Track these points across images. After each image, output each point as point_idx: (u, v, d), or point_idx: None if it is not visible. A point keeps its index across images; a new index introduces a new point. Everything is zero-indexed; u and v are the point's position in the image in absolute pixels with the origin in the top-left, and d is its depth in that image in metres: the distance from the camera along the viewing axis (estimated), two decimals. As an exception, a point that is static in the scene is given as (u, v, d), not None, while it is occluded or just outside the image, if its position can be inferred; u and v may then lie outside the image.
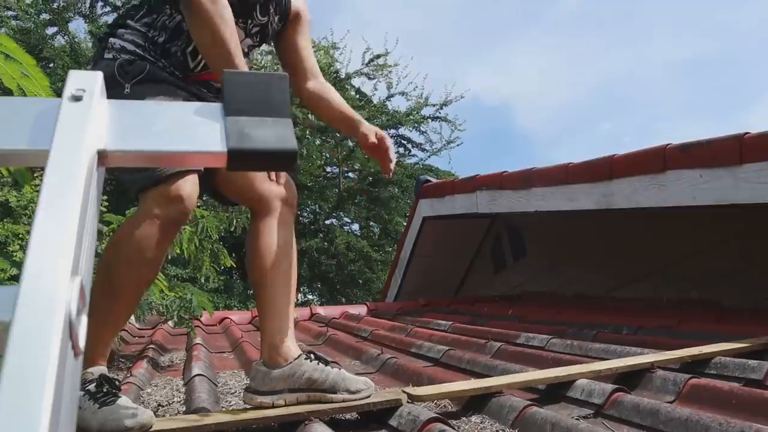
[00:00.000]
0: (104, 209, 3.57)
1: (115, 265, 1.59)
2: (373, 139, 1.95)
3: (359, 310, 5.44)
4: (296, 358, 1.69)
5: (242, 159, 0.54)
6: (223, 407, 1.97)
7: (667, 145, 3.07)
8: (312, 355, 1.73)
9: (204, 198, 3.57)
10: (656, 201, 3.11)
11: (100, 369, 1.59)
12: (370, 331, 3.77)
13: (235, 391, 2.33)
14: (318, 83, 2.00)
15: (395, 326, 4.03)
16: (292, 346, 1.73)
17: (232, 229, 3.59)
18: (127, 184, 1.66)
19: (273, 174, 1.80)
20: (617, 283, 4.57)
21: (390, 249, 12.90)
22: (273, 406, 1.66)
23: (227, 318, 5.18)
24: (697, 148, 2.88)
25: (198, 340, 3.49)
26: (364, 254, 12.16)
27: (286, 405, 1.66)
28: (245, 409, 1.72)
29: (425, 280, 6.30)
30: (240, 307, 8.74)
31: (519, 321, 3.89)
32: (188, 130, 0.55)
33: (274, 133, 0.56)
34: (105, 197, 3.97)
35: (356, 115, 2.02)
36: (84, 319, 0.41)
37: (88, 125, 0.50)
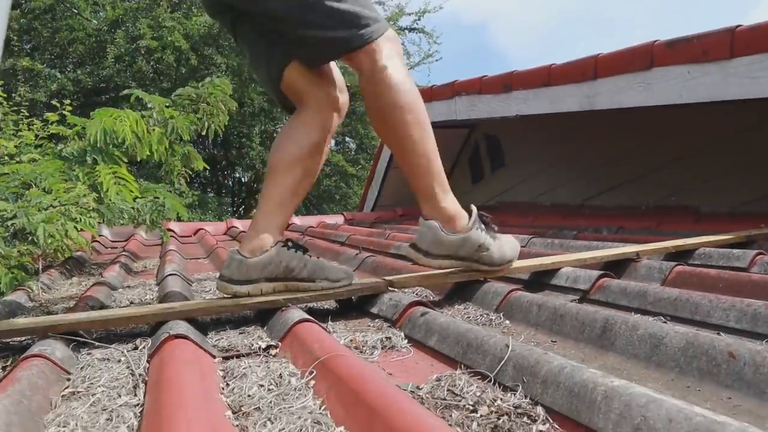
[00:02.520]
0: (67, 113, 3.41)
1: (415, 101, 1.64)
2: None
3: (336, 219, 5.39)
4: (273, 246, 1.62)
5: None
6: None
7: (655, 41, 2.96)
8: (290, 243, 1.65)
9: (173, 98, 3.39)
10: (641, 100, 3.02)
11: None
12: (347, 236, 3.72)
13: (210, 290, 2.27)
14: None
15: (373, 232, 3.99)
16: (273, 235, 1.65)
17: (203, 133, 3.42)
18: (340, 41, 1.59)
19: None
20: (595, 191, 4.55)
21: (366, 164, 12.78)
22: (249, 296, 1.59)
23: (202, 229, 5.11)
24: (686, 43, 2.77)
25: (172, 246, 3.42)
26: (339, 169, 12.03)
27: (262, 294, 1.60)
28: (219, 298, 1.65)
29: (402, 192, 6.24)
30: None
31: (498, 225, 3.85)
32: None
33: None
34: (68, 102, 3.78)
35: None
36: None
37: None
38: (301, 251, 1.66)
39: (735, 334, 1.21)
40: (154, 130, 3.12)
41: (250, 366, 1.20)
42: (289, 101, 1.78)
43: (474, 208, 1.73)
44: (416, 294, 1.82)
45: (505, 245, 1.77)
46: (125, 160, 3.03)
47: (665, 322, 1.35)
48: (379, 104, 1.64)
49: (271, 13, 1.58)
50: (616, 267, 1.90)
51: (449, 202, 1.69)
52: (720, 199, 3.50)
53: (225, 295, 1.63)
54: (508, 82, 4.03)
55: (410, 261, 1.76)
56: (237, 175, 15.91)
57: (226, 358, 1.29)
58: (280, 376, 1.13)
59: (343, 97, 1.76)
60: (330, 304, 1.80)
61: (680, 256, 2.02)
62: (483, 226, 1.73)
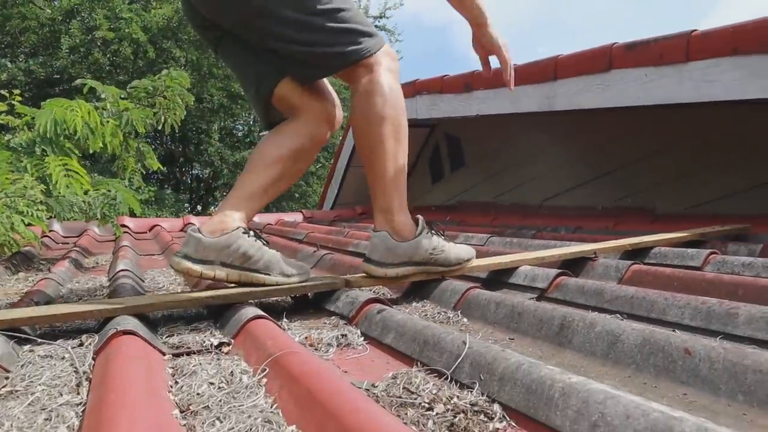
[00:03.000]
0: (17, 102, 3.29)
1: (400, 116, 1.67)
2: (484, 51, 1.87)
3: (295, 217, 5.34)
4: (234, 230, 1.58)
5: None
6: (148, 297, 1.85)
7: (614, 43, 2.99)
8: (251, 232, 1.62)
9: (128, 90, 3.30)
10: (600, 102, 3.06)
11: None
12: (306, 234, 3.68)
13: (163, 286, 2.21)
14: None
15: (332, 230, 3.95)
16: (235, 220, 1.61)
17: (160, 127, 3.33)
18: (339, 56, 1.62)
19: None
20: (554, 191, 4.60)
21: (326, 162, 12.71)
22: (201, 276, 1.55)
23: (157, 225, 4.99)
24: (644, 46, 2.81)
25: (125, 242, 3.33)
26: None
27: (215, 279, 1.56)
28: (172, 293, 1.60)
29: (362, 190, 6.22)
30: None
31: (457, 224, 3.86)
32: None
33: None
34: (18, 92, 3.67)
35: (477, 12, 1.80)
36: None
37: None
38: (261, 242, 1.63)
39: (690, 332, 1.21)
40: (107, 122, 3.02)
41: (200, 363, 1.16)
42: (273, 118, 1.77)
43: (420, 217, 1.74)
44: (374, 292, 1.80)
45: (458, 247, 1.78)
46: (77, 152, 2.93)
47: (622, 320, 1.35)
48: (367, 116, 1.65)
49: (264, 32, 1.58)
50: (573, 266, 1.91)
51: (403, 216, 1.70)
52: (674, 200, 3.57)
53: (177, 274, 1.59)
54: (470, 82, 4.04)
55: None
56: (195, 172, 15.68)
57: (176, 356, 1.24)
58: (232, 373, 1.09)
59: (337, 113, 1.76)
60: (286, 301, 1.76)
61: (636, 254, 2.04)
62: (433, 231, 1.74)
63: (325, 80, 1.78)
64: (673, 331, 1.20)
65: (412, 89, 4.66)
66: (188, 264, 1.55)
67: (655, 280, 1.63)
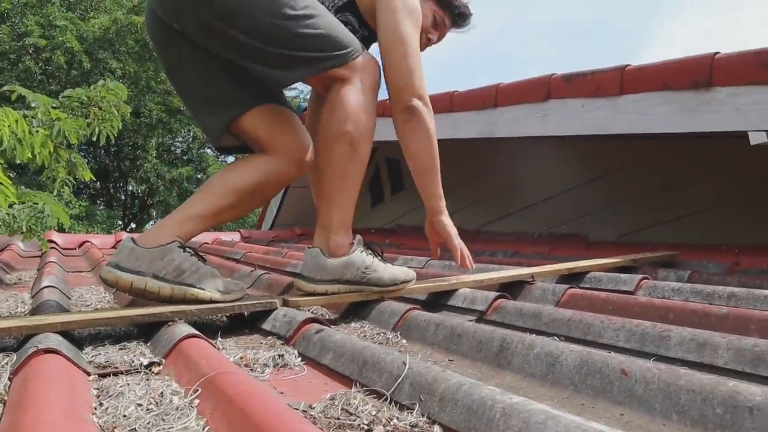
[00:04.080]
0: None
1: (361, 135, 1.64)
2: (436, 236, 1.98)
3: (232, 236, 5.24)
4: (170, 242, 1.52)
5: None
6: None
7: (552, 74, 3.08)
8: (190, 250, 1.57)
9: (61, 99, 3.17)
10: (538, 130, 3.13)
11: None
12: (243, 254, 3.61)
13: (92, 304, 2.11)
14: (397, 117, 1.78)
15: (270, 250, 3.89)
16: (173, 233, 1.55)
17: (94, 138, 3.22)
18: (321, 63, 1.59)
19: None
20: (491, 217, 4.67)
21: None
22: (131, 288, 1.49)
23: (87, 241, 4.80)
24: (581, 78, 2.90)
25: (52, 258, 3.18)
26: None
27: (146, 291, 1.50)
28: (99, 310, 1.53)
29: (301, 212, 6.17)
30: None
31: (396, 247, 3.87)
32: None
33: None
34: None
35: (435, 201, 1.96)
36: None
37: None
38: (197, 258, 1.58)
39: (625, 353, 1.24)
40: (37, 131, 2.90)
41: (128, 384, 1.10)
42: (227, 143, 1.72)
43: (358, 236, 1.74)
44: (312, 312, 1.77)
45: (396, 269, 1.76)
46: (2, 162, 2.80)
47: (560, 342, 1.36)
48: (325, 130, 1.64)
49: (233, 36, 1.51)
50: (511, 289, 1.93)
51: (340, 236, 1.69)
52: (606, 228, 3.68)
53: (106, 286, 1.52)
54: (412, 106, 4.07)
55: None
56: (130, 188, 15.25)
57: (102, 376, 1.18)
58: (162, 394, 1.04)
59: (308, 156, 1.69)
60: (220, 320, 1.71)
61: (572, 279, 2.08)
62: (369, 251, 1.73)
63: (299, 120, 1.73)
64: (609, 352, 1.22)
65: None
66: (118, 273, 1.49)
67: (591, 304, 1.66)
